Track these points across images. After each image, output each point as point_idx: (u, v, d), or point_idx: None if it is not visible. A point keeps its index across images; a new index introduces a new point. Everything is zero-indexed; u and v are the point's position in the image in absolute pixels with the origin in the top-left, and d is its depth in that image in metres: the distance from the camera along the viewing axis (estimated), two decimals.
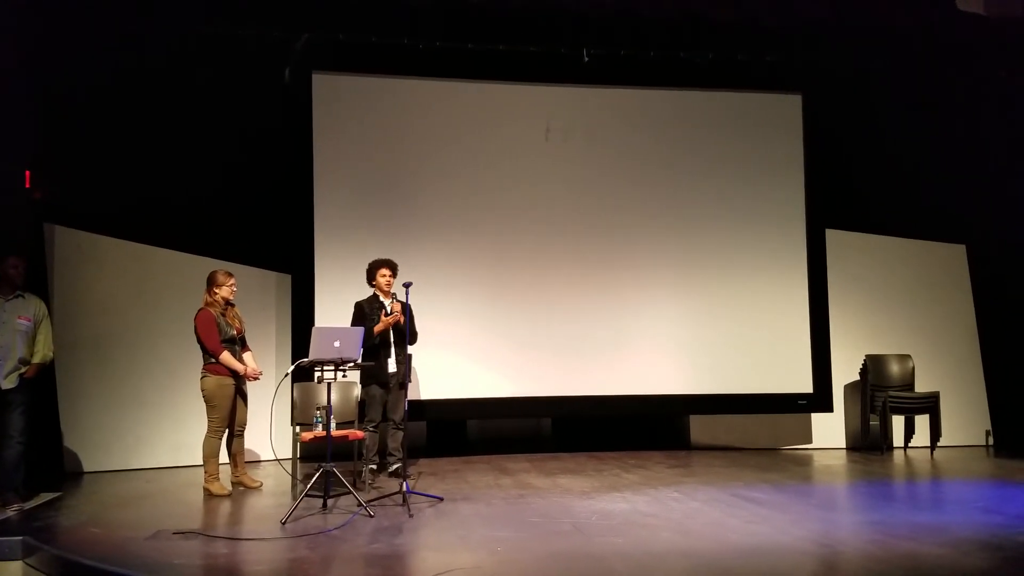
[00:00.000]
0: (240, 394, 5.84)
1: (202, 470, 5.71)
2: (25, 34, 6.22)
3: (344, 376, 5.29)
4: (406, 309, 5.77)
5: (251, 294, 6.94)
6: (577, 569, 3.86)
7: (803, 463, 7.12)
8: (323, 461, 5.16)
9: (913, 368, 7.82)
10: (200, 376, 5.72)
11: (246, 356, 5.91)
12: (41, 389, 5.76)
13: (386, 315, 6.03)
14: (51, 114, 6.46)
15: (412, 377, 6.36)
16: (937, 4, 6.81)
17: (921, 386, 7.78)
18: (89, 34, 6.53)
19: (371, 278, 6.19)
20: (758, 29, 7.36)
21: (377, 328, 5.96)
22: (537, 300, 7.25)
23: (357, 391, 6.29)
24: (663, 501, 5.35)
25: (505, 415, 7.59)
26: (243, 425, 5.91)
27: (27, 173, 6.28)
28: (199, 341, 5.70)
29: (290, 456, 6.12)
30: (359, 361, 5.31)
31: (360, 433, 5.95)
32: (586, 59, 7.25)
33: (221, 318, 5.75)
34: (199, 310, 5.75)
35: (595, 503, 5.29)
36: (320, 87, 7.06)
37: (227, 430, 5.79)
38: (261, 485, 5.95)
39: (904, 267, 8.13)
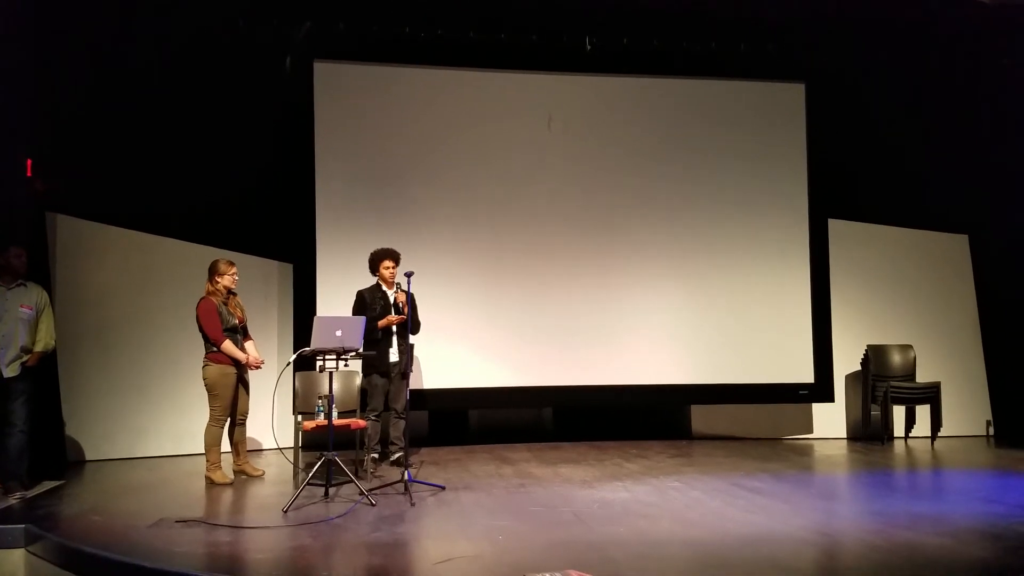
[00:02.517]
0: (242, 383, 5.85)
1: (204, 458, 5.73)
2: (26, 25, 6.19)
3: (346, 365, 5.29)
4: (409, 299, 5.76)
5: (253, 283, 6.94)
6: (577, 558, 3.86)
7: (804, 453, 7.13)
8: (325, 450, 5.18)
9: (914, 358, 7.82)
10: (202, 365, 5.72)
11: (248, 345, 5.91)
12: (43, 377, 5.77)
13: (389, 305, 6.03)
14: (53, 104, 6.43)
15: (414, 366, 6.36)
16: None
17: (922, 376, 7.78)
18: (89, 24, 6.51)
19: (374, 269, 6.18)
20: (760, 18, 7.33)
21: (381, 324, 5.96)
22: (539, 289, 7.25)
23: (359, 380, 6.30)
24: (664, 490, 5.36)
25: (506, 404, 7.60)
26: (245, 414, 5.93)
27: (28, 162, 6.26)
28: (201, 330, 5.70)
29: (292, 445, 6.14)
30: (361, 350, 5.31)
31: (362, 422, 5.96)
32: (588, 48, 7.23)
33: (223, 307, 5.75)
34: (201, 299, 5.75)
35: (596, 492, 5.30)
36: (321, 76, 7.04)
37: (229, 419, 5.81)
38: (263, 474, 5.97)
39: (906, 257, 8.12)
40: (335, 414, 5.43)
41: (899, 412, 7.76)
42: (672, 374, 7.38)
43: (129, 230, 6.85)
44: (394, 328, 6.06)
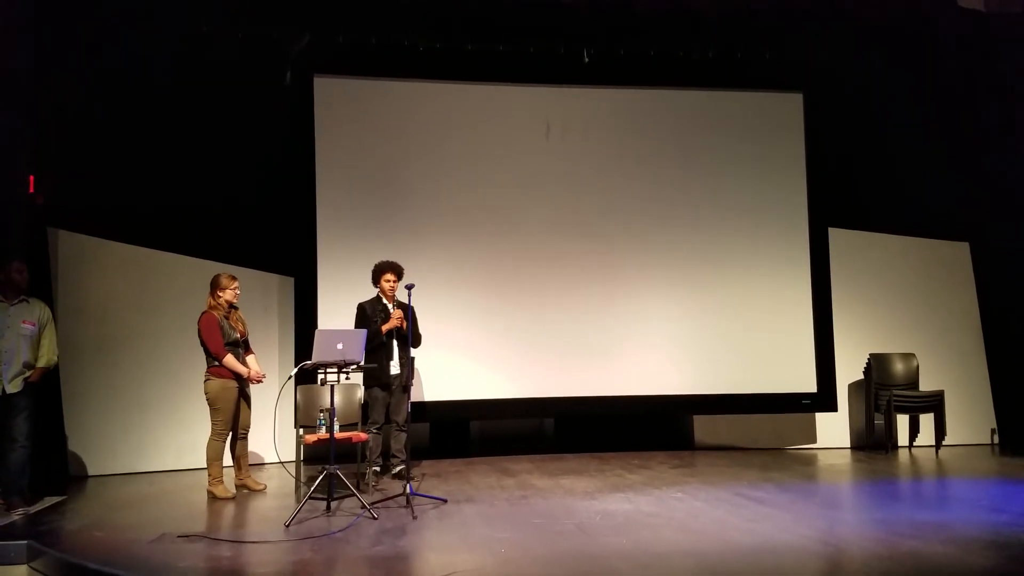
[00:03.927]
0: (244, 397, 5.85)
1: (206, 473, 5.72)
2: (27, 39, 6.23)
3: (347, 378, 5.30)
4: (408, 312, 5.77)
5: (254, 297, 6.95)
6: (580, 569, 3.85)
7: (807, 462, 7.10)
8: (326, 463, 5.17)
9: (917, 367, 7.80)
10: (204, 379, 5.73)
11: (249, 359, 5.91)
12: (45, 393, 5.77)
13: (390, 317, 6.05)
14: (54, 118, 6.47)
15: (415, 379, 6.36)
16: (937, 1, 6.81)
17: (925, 385, 7.76)
18: (91, 38, 6.55)
19: (375, 281, 6.20)
20: (757, 27, 7.36)
21: (385, 327, 5.97)
22: (540, 300, 7.25)
23: (360, 393, 6.30)
24: (666, 501, 5.34)
25: (507, 416, 7.59)
26: (247, 428, 5.92)
27: (31, 178, 6.30)
28: (203, 344, 5.71)
29: (294, 458, 6.13)
30: (362, 363, 5.31)
31: (363, 435, 5.95)
32: (586, 59, 7.26)
33: (225, 321, 5.76)
34: (203, 313, 5.76)
35: (598, 503, 5.28)
36: (321, 89, 7.08)
37: (231, 433, 5.80)
38: (265, 488, 5.96)
39: (907, 265, 8.12)
40: (336, 427, 5.43)
41: (903, 421, 7.74)
42: (674, 384, 7.36)
43: (130, 245, 6.86)
44: (395, 341, 6.06)
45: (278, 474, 6.50)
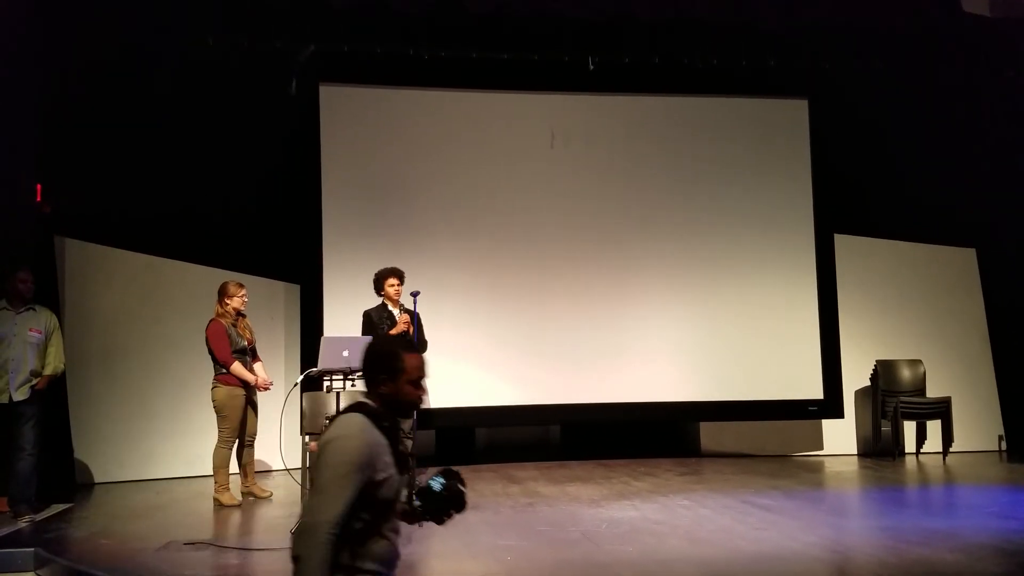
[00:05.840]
0: (250, 404, 5.86)
1: (212, 480, 5.73)
2: (35, 48, 6.28)
3: (353, 385, 5.30)
4: (414, 318, 5.77)
5: (260, 304, 6.95)
6: None
7: (814, 469, 7.08)
8: None
9: (924, 373, 7.77)
10: (211, 386, 5.74)
11: (256, 366, 5.93)
12: (52, 401, 5.79)
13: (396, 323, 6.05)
14: (60, 127, 6.50)
15: None
16: (942, 6, 6.81)
17: (932, 391, 7.72)
18: (99, 46, 6.59)
19: (379, 288, 6.19)
20: (762, 34, 7.36)
21: (393, 332, 5.96)
22: (546, 307, 7.25)
23: None
24: (672, 508, 5.32)
25: (513, 423, 7.59)
26: (253, 435, 5.93)
27: (38, 187, 6.33)
28: (210, 351, 5.72)
29: (300, 466, 6.13)
30: None
31: None
32: (590, 67, 7.27)
33: (232, 329, 5.78)
34: (210, 321, 5.78)
35: (604, 511, 5.27)
36: (327, 98, 7.11)
37: (237, 440, 5.81)
38: (271, 495, 5.96)
39: (914, 271, 8.08)
40: None
41: (910, 427, 7.69)
42: (680, 391, 7.34)
43: (137, 253, 6.89)
44: None
45: (284, 482, 6.50)
